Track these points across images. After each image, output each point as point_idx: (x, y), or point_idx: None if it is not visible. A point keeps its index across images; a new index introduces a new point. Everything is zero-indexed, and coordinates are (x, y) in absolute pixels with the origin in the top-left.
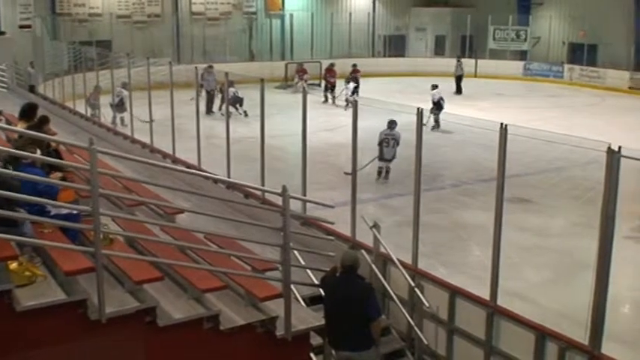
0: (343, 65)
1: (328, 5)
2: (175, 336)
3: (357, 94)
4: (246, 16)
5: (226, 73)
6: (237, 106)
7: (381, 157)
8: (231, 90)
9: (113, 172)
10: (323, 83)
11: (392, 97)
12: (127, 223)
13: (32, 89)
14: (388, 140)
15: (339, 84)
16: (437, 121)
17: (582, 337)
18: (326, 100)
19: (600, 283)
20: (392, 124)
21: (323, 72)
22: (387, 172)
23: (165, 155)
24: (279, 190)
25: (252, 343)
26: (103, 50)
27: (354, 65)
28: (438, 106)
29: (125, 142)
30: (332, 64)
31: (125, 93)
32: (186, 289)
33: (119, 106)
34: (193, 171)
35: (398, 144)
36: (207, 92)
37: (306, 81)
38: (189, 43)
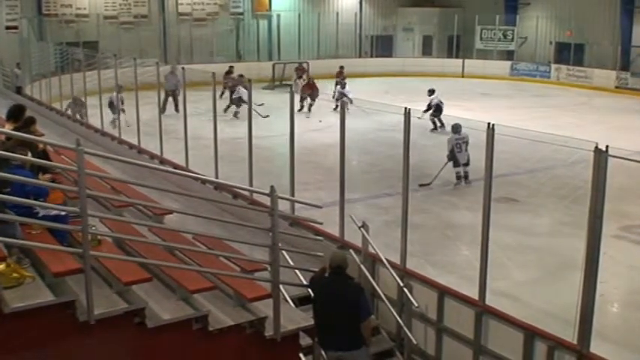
0: (330, 66)
1: (315, 6)
2: (164, 337)
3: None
4: (233, 16)
5: (241, 75)
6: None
7: (456, 164)
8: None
9: (101, 173)
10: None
11: (379, 97)
12: (115, 224)
13: (19, 90)
14: (460, 145)
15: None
16: (434, 122)
17: (570, 336)
18: (301, 109)
19: (588, 283)
20: (457, 127)
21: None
22: (467, 176)
23: (152, 156)
24: (267, 191)
25: (241, 344)
26: (90, 51)
27: (341, 67)
28: (437, 108)
29: (113, 143)
30: (312, 80)
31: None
32: (174, 290)
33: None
34: (181, 172)
35: (468, 144)
36: (166, 92)
37: (304, 80)
38: (176, 44)
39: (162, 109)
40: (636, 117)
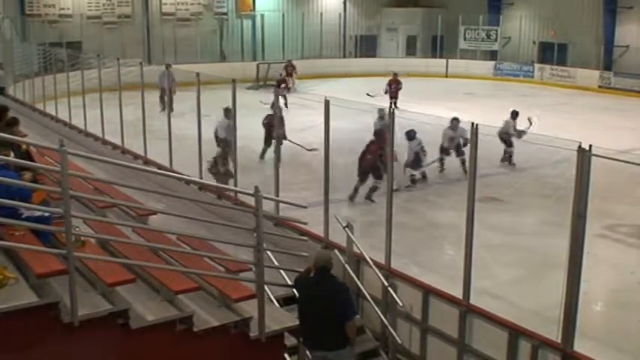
0: (315, 66)
1: (299, 6)
2: (148, 338)
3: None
4: (216, 16)
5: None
6: None
7: (417, 167)
8: None
9: (84, 173)
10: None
11: (363, 97)
12: (98, 225)
13: (2, 91)
14: (424, 148)
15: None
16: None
17: (555, 334)
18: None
19: (571, 282)
20: (412, 134)
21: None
22: (424, 175)
23: (136, 156)
24: (252, 191)
25: (226, 345)
26: (74, 52)
27: (395, 74)
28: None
29: (96, 144)
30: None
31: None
32: (159, 290)
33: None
34: (165, 172)
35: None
36: (162, 89)
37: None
38: (159, 44)
39: (163, 108)
40: (620, 116)
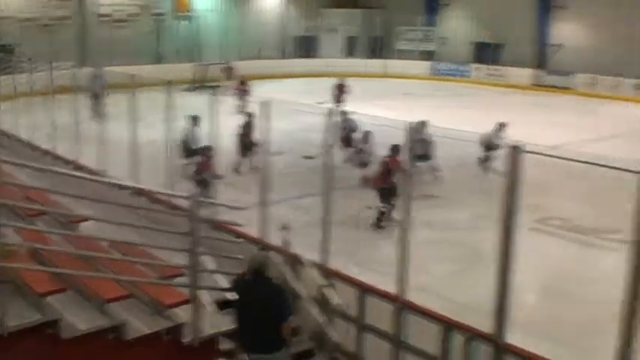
0: (254, 67)
1: (238, 6)
2: (79, 348)
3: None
4: (154, 17)
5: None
6: None
7: None
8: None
9: (14, 180)
10: None
11: (302, 97)
12: (28, 234)
13: None
14: None
15: None
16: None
17: (488, 327)
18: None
19: (502, 274)
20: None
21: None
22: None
23: (68, 162)
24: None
25: (159, 352)
26: (6, 55)
27: (341, 79)
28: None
29: (25, 150)
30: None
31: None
32: (90, 299)
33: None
34: (96, 177)
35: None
36: (95, 94)
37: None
38: (96, 46)
39: (95, 114)
40: (551, 113)
